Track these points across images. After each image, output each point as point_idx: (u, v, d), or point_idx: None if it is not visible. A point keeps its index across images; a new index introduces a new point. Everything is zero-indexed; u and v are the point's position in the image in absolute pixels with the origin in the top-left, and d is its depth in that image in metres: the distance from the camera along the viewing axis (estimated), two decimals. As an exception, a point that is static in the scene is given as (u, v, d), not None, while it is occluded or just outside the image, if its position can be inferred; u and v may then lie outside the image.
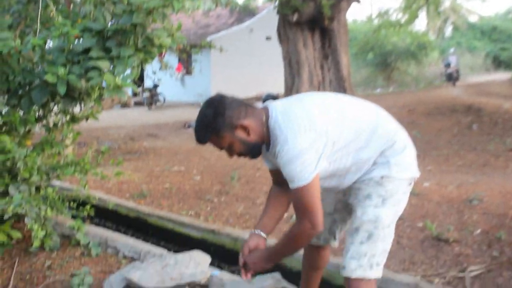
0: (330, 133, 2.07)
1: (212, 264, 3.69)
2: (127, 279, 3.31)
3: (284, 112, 2.10)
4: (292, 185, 2.03)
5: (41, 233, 3.58)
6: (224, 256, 4.46)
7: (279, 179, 2.33)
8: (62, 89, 3.26)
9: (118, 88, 3.33)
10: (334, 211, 2.56)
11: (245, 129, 2.09)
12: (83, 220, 4.44)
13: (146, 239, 5.15)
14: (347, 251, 2.24)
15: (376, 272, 2.23)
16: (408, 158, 2.24)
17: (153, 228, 5.21)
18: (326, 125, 2.07)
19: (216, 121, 2.05)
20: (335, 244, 2.64)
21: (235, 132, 2.09)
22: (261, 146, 2.17)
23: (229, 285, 3.18)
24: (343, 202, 2.47)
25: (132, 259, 4.00)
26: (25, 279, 3.79)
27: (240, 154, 2.20)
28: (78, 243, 4.25)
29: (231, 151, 2.18)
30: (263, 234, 2.35)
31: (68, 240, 4.39)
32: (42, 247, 4.21)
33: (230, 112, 2.05)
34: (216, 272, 3.58)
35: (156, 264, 3.42)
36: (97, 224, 5.55)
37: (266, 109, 2.16)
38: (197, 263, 3.46)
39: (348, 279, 2.23)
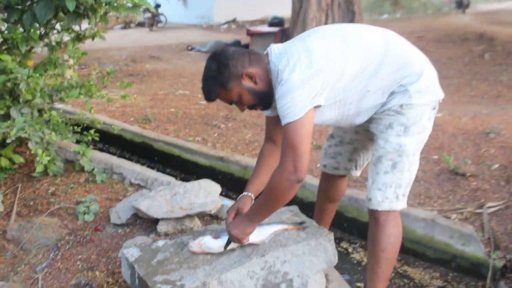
0: (332, 70, 1.90)
1: (220, 192, 3.56)
2: (135, 208, 3.19)
3: (283, 51, 1.97)
4: (283, 122, 1.85)
5: (45, 158, 3.42)
6: (233, 185, 4.34)
7: (273, 130, 2.19)
8: (71, 4, 2.96)
9: (135, 7, 3.07)
10: (354, 140, 2.39)
11: (252, 77, 1.97)
12: (87, 145, 4.28)
13: (152, 166, 5.04)
14: (372, 182, 2.10)
15: (403, 203, 2.11)
16: (428, 81, 2.03)
17: (159, 154, 5.07)
18: (327, 62, 1.89)
19: (221, 72, 1.94)
20: (356, 173, 2.49)
21: (242, 82, 1.96)
22: (272, 94, 1.99)
23: (241, 216, 3.07)
24: (364, 129, 2.30)
25: (139, 187, 3.88)
26: (28, 205, 3.68)
27: (251, 107, 2.06)
28: (82, 169, 4.12)
29: (241, 104, 2.03)
30: (253, 196, 2.19)
31: (72, 165, 4.25)
32: (45, 172, 4.08)
33: (233, 61, 1.94)
34: (227, 201, 3.46)
35: (165, 193, 3.29)
36: (101, 150, 5.41)
37: (267, 54, 2.03)
38: (207, 192, 3.33)
39: (374, 212, 2.10)
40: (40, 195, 3.81)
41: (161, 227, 3.13)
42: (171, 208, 3.16)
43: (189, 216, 3.18)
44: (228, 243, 2.09)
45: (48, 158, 3.46)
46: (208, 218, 3.35)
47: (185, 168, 4.83)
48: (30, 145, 3.51)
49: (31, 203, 3.71)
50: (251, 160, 4.33)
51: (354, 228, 3.56)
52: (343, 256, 3.34)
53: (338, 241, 3.53)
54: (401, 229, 2.11)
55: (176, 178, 4.67)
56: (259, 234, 2.14)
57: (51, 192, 3.84)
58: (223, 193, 4.26)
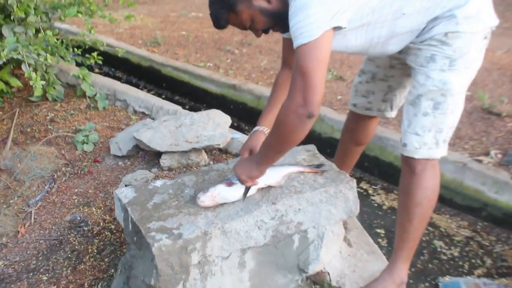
0: None
1: (231, 124, 3.26)
2: (136, 140, 2.92)
3: None
4: (295, 44, 1.47)
5: (40, 83, 3.12)
6: (245, 115, 4.04)
7: (291, 55, 1.82)
8: None
9: None
10: (389, 77, 2.02)
11: None
12: (91, 69, 3.96)
13: (159, 93, 4.73)
14: (408, 124, 1.75)
15: (443, 150, 1.77)
16: (479, 4, 1.63)
17: (167, 80, 4.73)
18: None
19: None
20: (391, 114, 2.14)
21: (252, 2, 1.62)
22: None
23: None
24: (400, 63, 1.93)
25: (143, 115, 3.59)
26: (25, 132, 3.43)
27: (266, 30, 1.71)
28: (84, 95, 3.83)
29: (256, 28, 1.68)
30: (266, 131, 1.87)
31: (73, 90, 3.96)
32: (44, 97, 3.81)
33: None
34: (238, 135, 3.16)
35: (169, 123, 3.00)
36: (107, 74, 5.10)
37: None
38: (216, 124, 3.03)
39: (409, 160, 1.76)
40: (38, 121, 3.56)
41: (164, 161, 2.87)
42: (175, 140, 2.87)
43: (196, 150, 2.90)
44: (246, 191, 1.80)
45: (43, 82, 3.15)
46: (217, 152, 3.07)
47: (194, 96, 4.52)
48: (23, 67, 3.20)
49: (28, 129, 3.47)
50: (265, 90, 3.99)
51: (376, 168, 3.27)
52: (363, 198, 3.07)
53: (357, 181, 3.23)
54: (439, 181, 1.79)
55: (185, 107, 4.39)
56: (273, 175, 1.83)
57: (49, 119, 3.58)
58: (235, 125, 3.98)
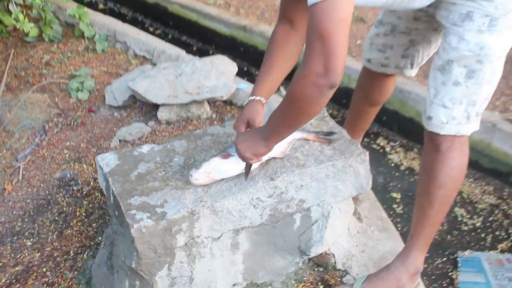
0: None
1: (240, 69, 2.97)
2: (131, 90, 2.67)
3: None
4: (309, 0, 1.15)
5: (28, 26, 2.85)
6: (256, 59, 3.73)
7: (293, 7, 1.47)
8: None
9: None
10: (412, 30, 1.70)
11: None
12: (94, 5, 3.65)
13: (166, 32, 4.42)
14: (435, 94, 1.46)
15: (474, 125, 1.50)
16: None
17: (174, 18, 4.40)
18: None
19: None
20: (411, 73, 1.84)
21: None
22: None
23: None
24: (427, 15, 1.61)
25: (144, 59, 3.32)
26: (19, 76, 3.20)
27: None
28: (82, 35, 3.55)
29: None
30: (264, 101, 1.58)
31: (72, 30, 3.68)
32: (41, 37, 3.54)
33: None
34: (244, 84, 2.89)
35: (168, 71, 2.73)
36: (111, 10, 4.78)
37: None
38: (220, 72, 2.75)
39: (434, 136, 1.49)
40: (33, 64, 3.32)
41: (162, 114, 2.63)
42: (174, 91, 2.62)
43: (196, 103, 2.65)
44: (248, 168, 1.55)
45: (32, 25, 2.88)
46: (220, 103, 2.81)
47: (202, 37, 4.19)
48: (11, 7, 2.92)
49: (23, 73, 3.24)
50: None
51: (395, 123, 2.99)
52: (379, 156, 2.82)
53: (374, 136, 2.99)
54: (467, 160, 1.52)
55: (192, 49, 4.11)
56: (277, 145, 1.56)
57: (45, 62, 3.33)
58: (244, 69, 3.70)
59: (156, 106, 2.68)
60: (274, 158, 1.62)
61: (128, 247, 1.54)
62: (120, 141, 2.55)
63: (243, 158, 1.47)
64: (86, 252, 2.01)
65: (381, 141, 2.96)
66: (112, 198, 1.64)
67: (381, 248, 1.80)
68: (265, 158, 1.55)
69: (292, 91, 1.23)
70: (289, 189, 1.58)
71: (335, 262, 1.72)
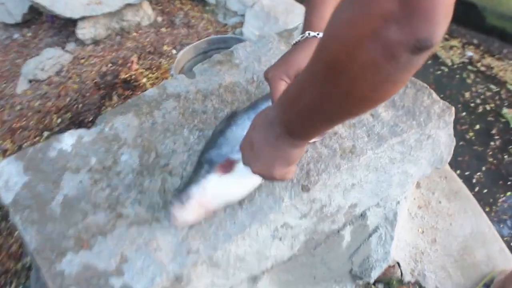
0: None
1: None
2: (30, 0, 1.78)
3: None
4: None
5: None
6: None
7: None
8: None
9: None
10: None
11: None
12: None
13: None
14: None
15: None
16: None
17: None
18: None
19: None
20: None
21: None
22: None
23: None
24: None
25: None
26: None
27: None
28: None
29: None
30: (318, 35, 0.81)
31: None
32: None
33: None
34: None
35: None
36: None
37: None
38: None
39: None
40: None
41: (84, 32, 1.79)
42: None
43: (131, 5, 1.81)
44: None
45: None
46: None
47: None
48: None
49: None
50: None
51: None
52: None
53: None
54: None
55: None
56: None
57: None
58: None
59: (73, 20, 1.82)
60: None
61: None
62: (30, 81, 1.73)
63: (263, 177, 0.74)
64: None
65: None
66: (30, 255, 0.93)
67: (459, 231, 1.21)
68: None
69: (331, 50, 0.48)
70: (333, 197, 0.91)
71: (401, 274, 1.13)
